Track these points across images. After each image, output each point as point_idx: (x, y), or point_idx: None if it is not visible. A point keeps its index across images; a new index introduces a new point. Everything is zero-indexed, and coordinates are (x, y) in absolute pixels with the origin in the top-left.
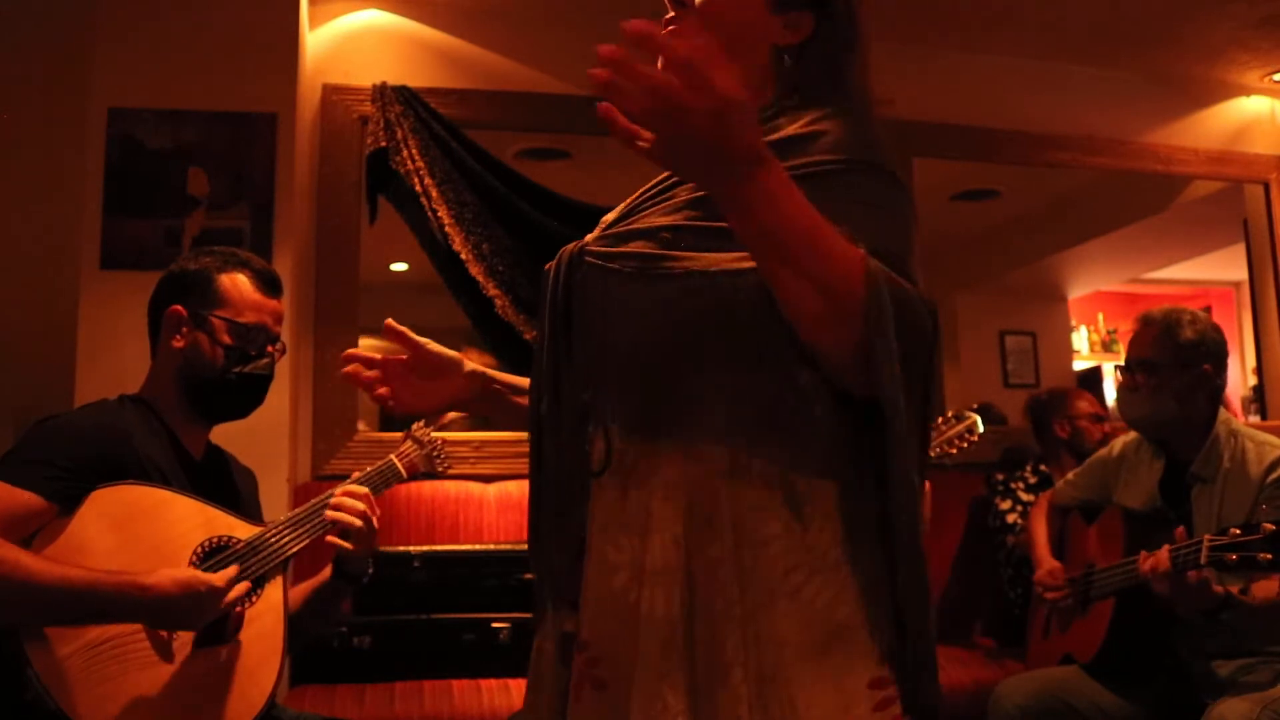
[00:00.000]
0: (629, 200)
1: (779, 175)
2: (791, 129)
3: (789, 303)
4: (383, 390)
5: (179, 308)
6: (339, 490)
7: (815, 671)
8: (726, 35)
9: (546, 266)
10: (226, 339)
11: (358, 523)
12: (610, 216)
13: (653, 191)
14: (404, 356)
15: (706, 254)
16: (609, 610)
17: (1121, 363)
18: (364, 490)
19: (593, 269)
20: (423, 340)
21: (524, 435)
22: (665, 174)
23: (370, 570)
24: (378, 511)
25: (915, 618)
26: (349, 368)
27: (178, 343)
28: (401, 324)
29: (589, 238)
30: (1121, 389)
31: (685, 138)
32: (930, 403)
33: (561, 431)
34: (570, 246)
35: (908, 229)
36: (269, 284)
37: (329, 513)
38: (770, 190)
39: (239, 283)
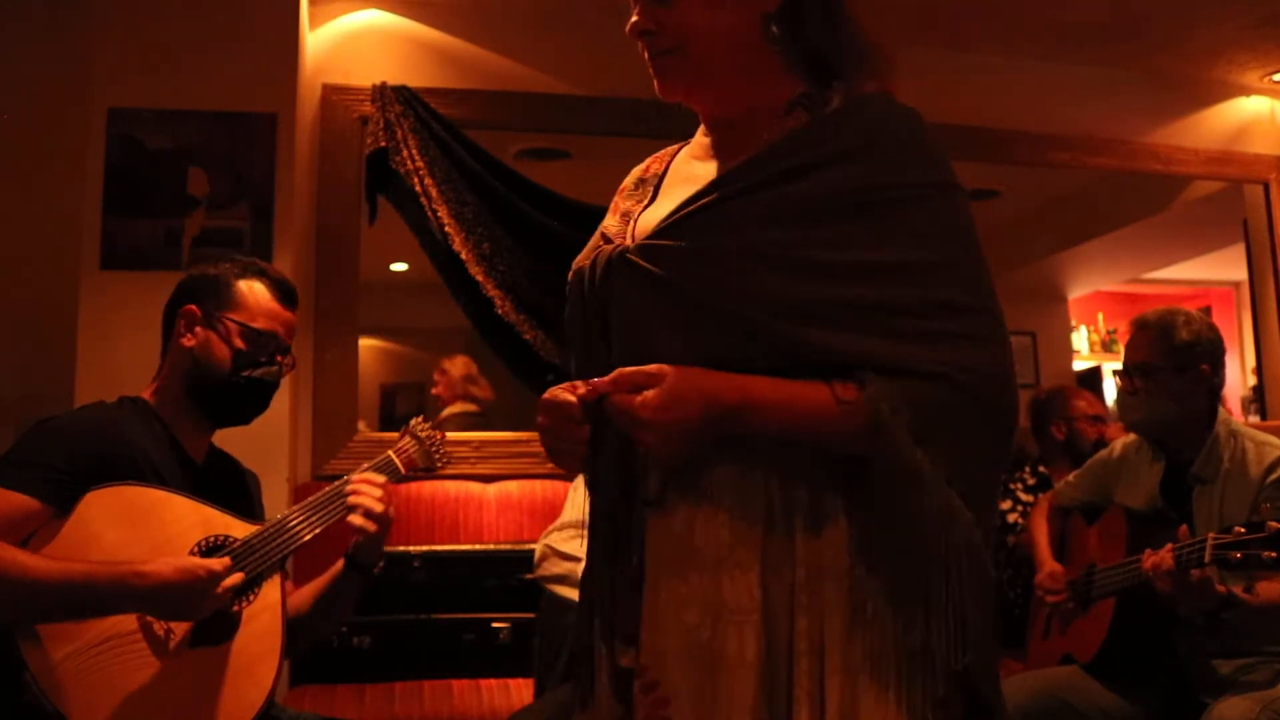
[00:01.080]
0: (690, 189)
1: (745, 411)
2: (829, 145)
3: None
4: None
5: (193, 307)
6: (355, 477)
7: (888, 700)
8: (707, 28)
9: (577, 262)
10: (238, 342)
11: (379, 506)
12: (647, 214)
13: (726, 190)
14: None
15: (770, 287)
16: (680, 648)
17: (1120, 365)
18: (381, 478)
19: (639, 277)
20: None
21: (524, 435)
22: (738, 162)
23: (382, 561)
24: (392, 501)
25: (967, 648)
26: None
27: (188, 341)
28: (401, 324)
29: (620, 236)
30: (1121, 393)
31: (645, 440)
32: (988, 478)
33: (606, 453)
34: (609, 249)
35: (963, 245)
36: (285, 295)
37: (351, 498)
38: (748, 420)
39: (255, 289)
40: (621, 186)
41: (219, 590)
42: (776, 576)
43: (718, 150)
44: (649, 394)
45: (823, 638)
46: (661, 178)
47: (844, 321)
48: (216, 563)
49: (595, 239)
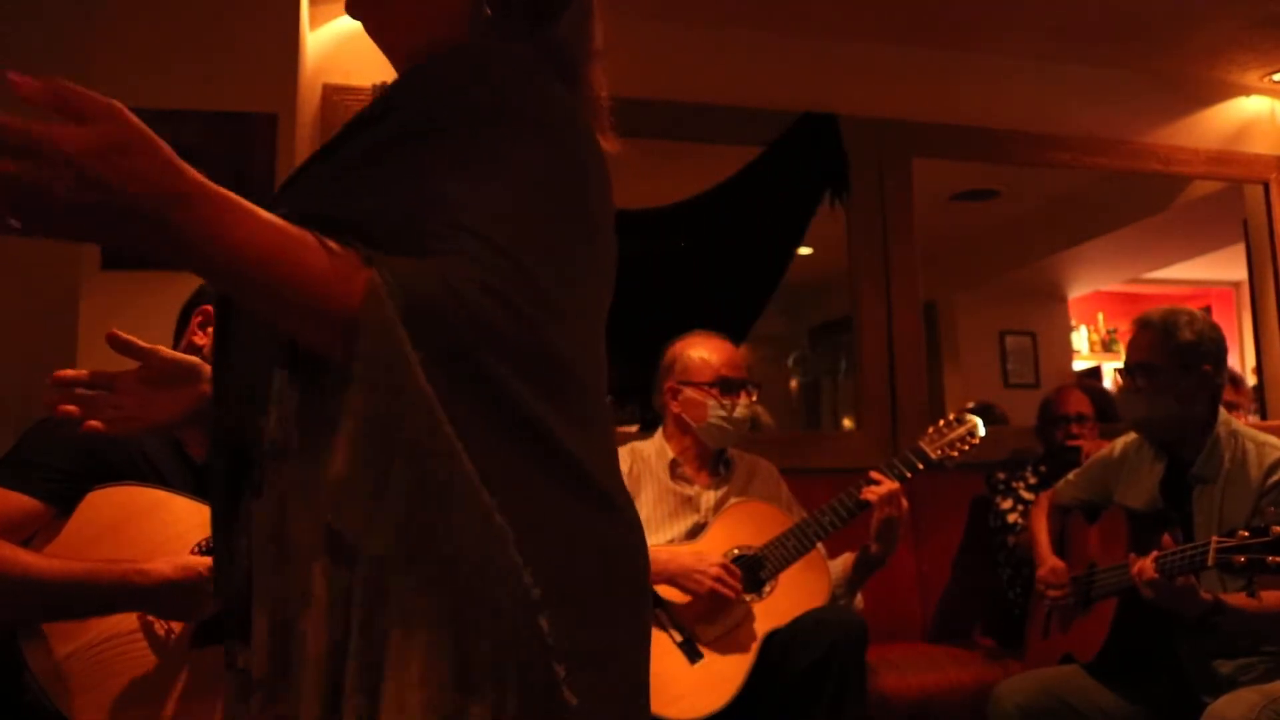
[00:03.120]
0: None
1: (207, 210)
2: (403, 90)
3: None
4: (92, 423)
5: (209, 307)
6: None
7: (446, 708)
8: None
9: None
10: None
11: None
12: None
13: (323, 152)
14: (135, 367)
15: None
16: (274, 644)
17: (1121, 364)
18: None
19: None
20: (153, 347)
21: None
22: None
23: None
24: None
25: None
26: (52, 399)
27: (200, 339)
28: None
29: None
30: (1122, 391)
31: (47, 209)
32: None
33: (221, 426)
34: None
35: (503, 183)
36: None
37: None
38: (196, 229)
39: None
40: None
41: None
42: (340, 569)
43: None
44: (89, 129)
45: (379, 643)
46: None
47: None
48: None
49: None
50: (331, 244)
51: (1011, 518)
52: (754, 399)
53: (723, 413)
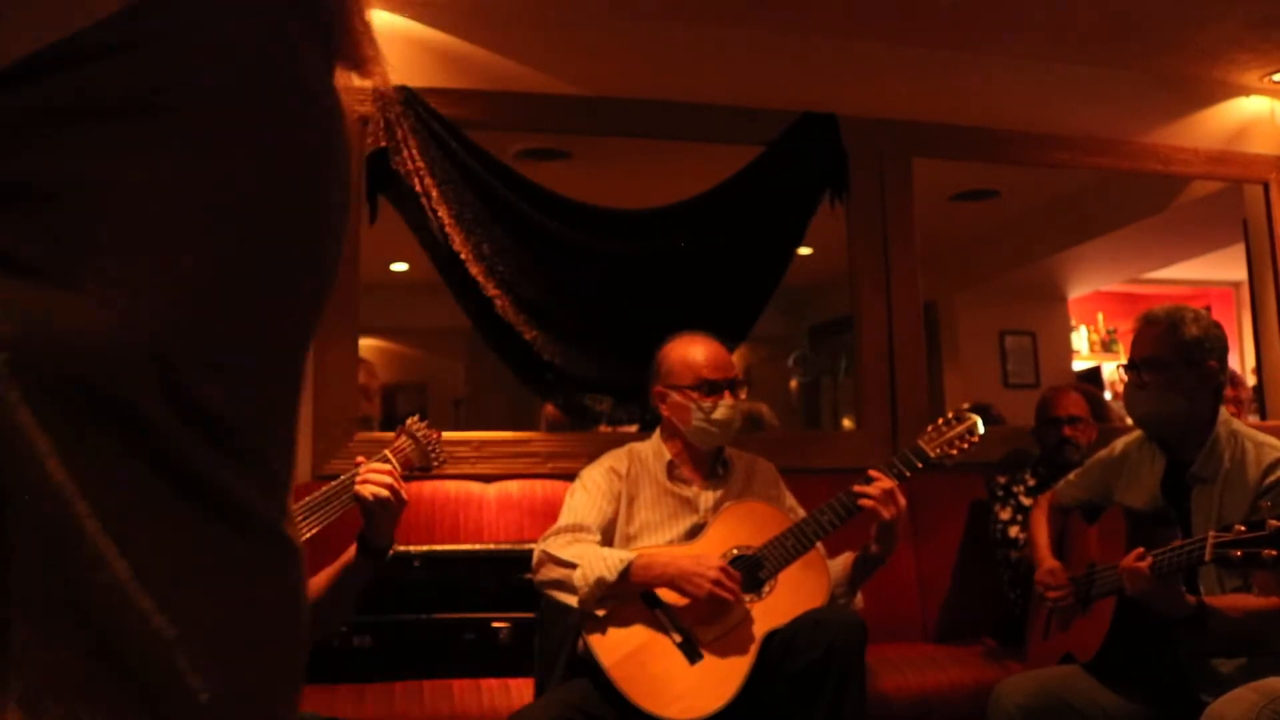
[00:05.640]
0: None
1: None
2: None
3: None
4: None
5: None
6: (363, 468)
7: None
8: None
9: None
10: None
11: (385, 493)
12: None
13: None
14: None
15: None
16: None
17: (1123, 362)
18: (387, 465)
19: None
20: None
21: (524, 435)
22: None
23: (394, 547)
24: (404, 485)
25: None
26: None
27: None
28: (401, 324)
29: None
30: (1128, 387)
31: None
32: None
33: None
34: None
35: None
36: None
37: (359, 486)
38: None
39: None
40: None
41: None
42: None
43: None
44: None
45: None
46: None
47: None
48: None
49: None
50: None
51: (1013, 530)
52: (743, 397)
53: (703, 415)
